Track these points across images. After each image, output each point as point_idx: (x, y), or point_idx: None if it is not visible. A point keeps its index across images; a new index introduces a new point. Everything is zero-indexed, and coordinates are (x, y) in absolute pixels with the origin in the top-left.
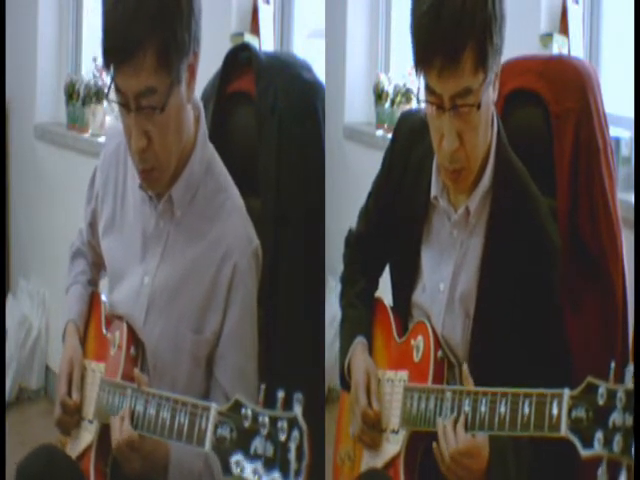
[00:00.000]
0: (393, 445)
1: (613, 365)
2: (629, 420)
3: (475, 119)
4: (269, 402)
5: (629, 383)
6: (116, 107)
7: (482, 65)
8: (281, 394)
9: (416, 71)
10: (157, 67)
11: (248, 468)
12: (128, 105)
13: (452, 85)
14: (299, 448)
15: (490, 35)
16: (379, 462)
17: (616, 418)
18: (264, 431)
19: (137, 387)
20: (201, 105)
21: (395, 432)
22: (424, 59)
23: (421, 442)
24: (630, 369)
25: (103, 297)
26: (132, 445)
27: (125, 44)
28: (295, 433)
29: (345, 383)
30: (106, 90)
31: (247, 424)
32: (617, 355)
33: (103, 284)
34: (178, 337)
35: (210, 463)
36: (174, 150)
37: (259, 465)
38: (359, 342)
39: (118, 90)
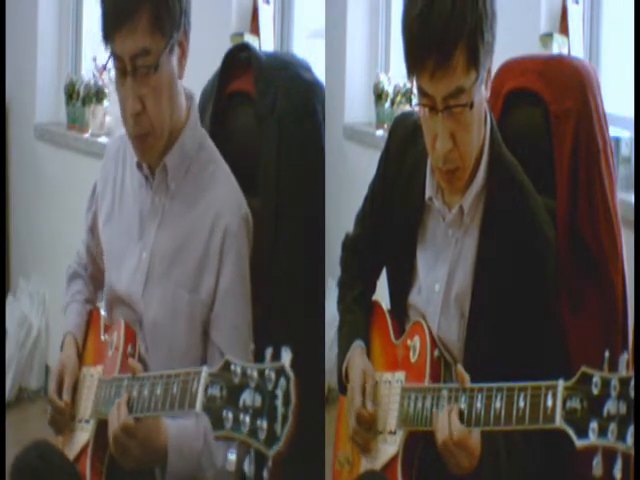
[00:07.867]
0: (391, 446)
1: (607, 354)
2: (623, 408)
3: (468, 119)
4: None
5: (623, 371)
6: (116, 108)
7: (474, 64)
8: (269, 351)
9: (408, 75)
10: (151, 29)
11: (237, 421)
12: (125, 69)
13: (444, 86)
14: (286, 394)
15: (481, 33)
16: (377, 465)
17: (610, 407)
18: (252, 384)
19: (132, 376)
20: (194, 96)
21: (392, 433)
22: (416, 63)
23: (418, 442)
24: (624, 358)
25: (102, 312)
26: (128, 430)
27: (122, 9)
28: (282, 381)
29: (343, 387)
30: (105, 62)
31: (237, 380)
32: (617, 355)
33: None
34: (175, 299)
35: (209, 441)
36: (167, 117)
37: (248, 417)
38: (357, 346)
39: (115, 57)
